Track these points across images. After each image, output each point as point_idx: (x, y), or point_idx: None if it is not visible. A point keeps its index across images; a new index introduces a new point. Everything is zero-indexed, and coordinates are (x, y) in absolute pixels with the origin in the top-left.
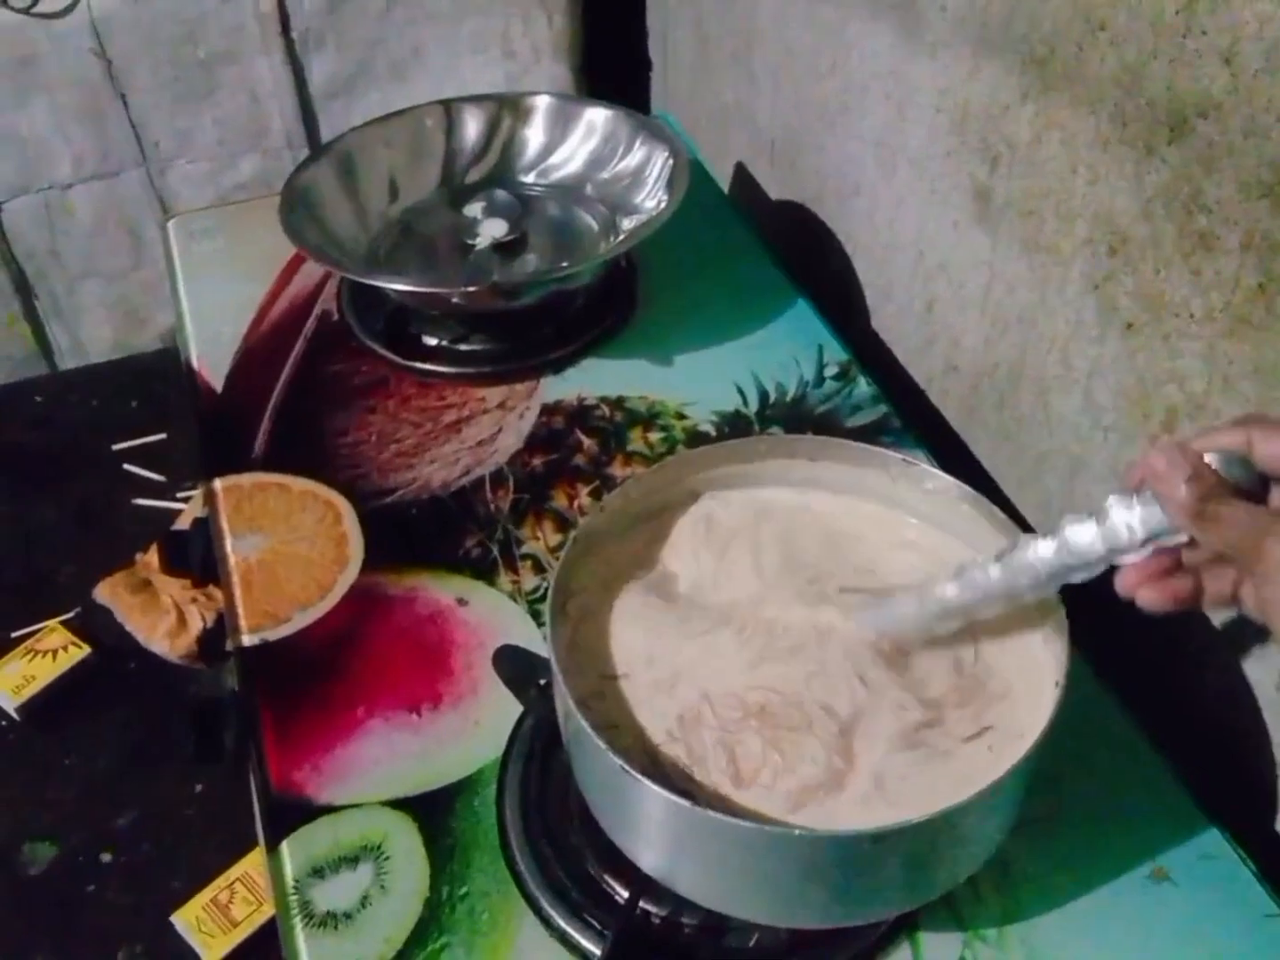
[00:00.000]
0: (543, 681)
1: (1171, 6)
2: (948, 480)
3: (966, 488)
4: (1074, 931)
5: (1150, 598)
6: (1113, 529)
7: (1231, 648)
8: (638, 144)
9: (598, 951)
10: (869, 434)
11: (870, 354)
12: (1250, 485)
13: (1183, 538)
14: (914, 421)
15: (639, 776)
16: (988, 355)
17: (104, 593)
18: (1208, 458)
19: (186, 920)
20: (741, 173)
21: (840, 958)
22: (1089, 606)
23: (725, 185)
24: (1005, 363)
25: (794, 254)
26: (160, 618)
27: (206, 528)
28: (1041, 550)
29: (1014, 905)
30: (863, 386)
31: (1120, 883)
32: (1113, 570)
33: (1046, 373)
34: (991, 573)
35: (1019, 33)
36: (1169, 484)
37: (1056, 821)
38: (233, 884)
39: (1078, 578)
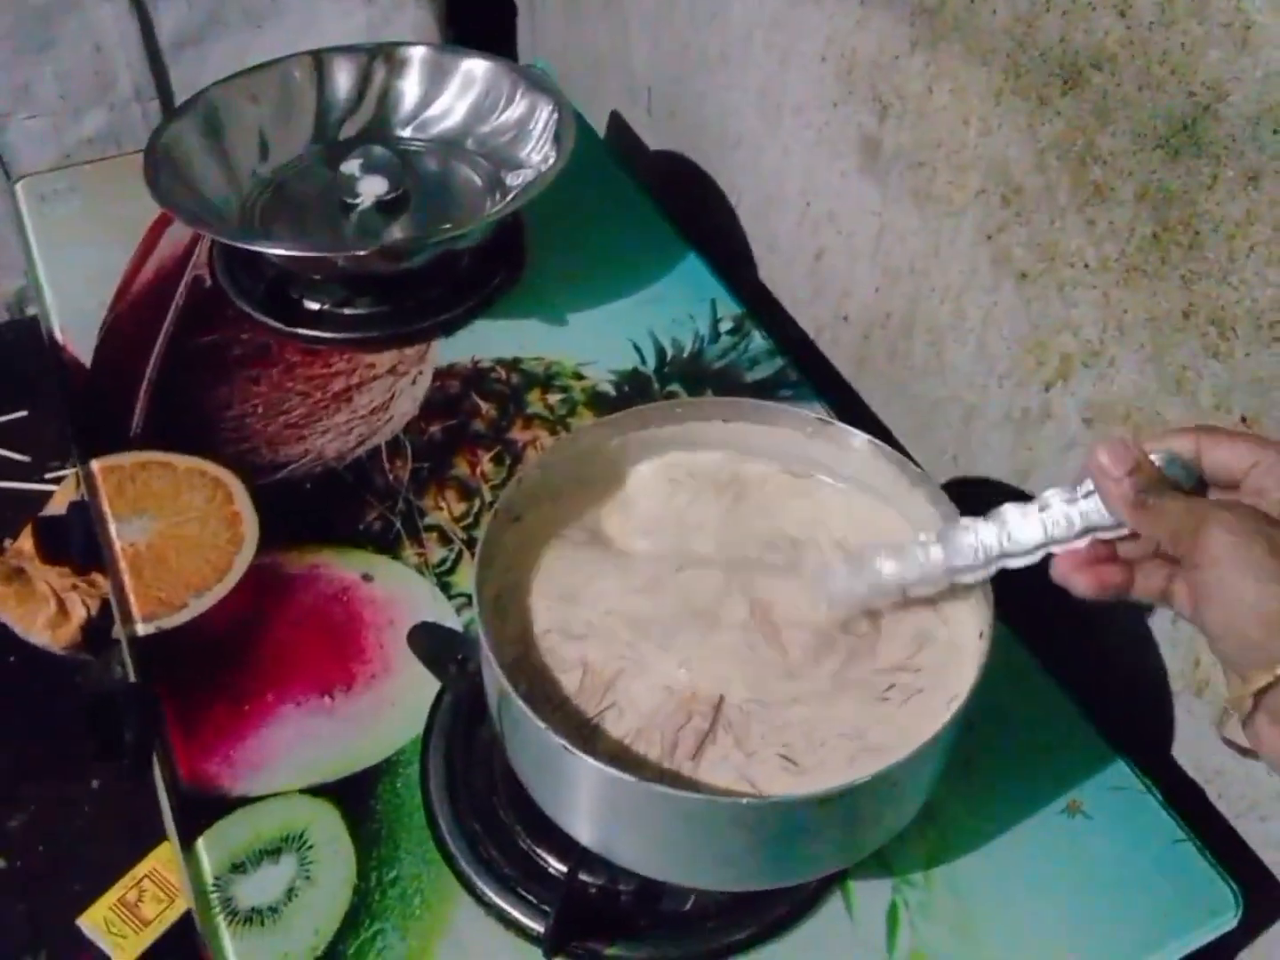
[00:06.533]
0: (461, 657)
1: None
2: (864, 438)
3: (885, 446)
4: (997, 868)
5: (1082, 583)
6: (1054, 519)
7: None
8: (519, 96)
9: (534, 926)
10: (768, 388)
11: (760, 306)
12: (1190, 487)
13: (1122, 531)
14: (805, 373)
15: (582, 755)
16: (879, 305)
17: None
18: (1152, 455)
19: (94, 922)
20: (617, 122)
21: (776, 912)
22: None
23: (600, 135)
24: (897, 313)
25: (676, 206)
26: (39, 607)
27: (84, 512)
28: (984, 535)
29: (939, 848)
30: (758, 340)
31: (1037, 818)
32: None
33: (939, 322)
34: (932, 553)
35: None
36: (1112, 475)
37: (974, 763)
38: (140, 881)
39: (1015, 564)
